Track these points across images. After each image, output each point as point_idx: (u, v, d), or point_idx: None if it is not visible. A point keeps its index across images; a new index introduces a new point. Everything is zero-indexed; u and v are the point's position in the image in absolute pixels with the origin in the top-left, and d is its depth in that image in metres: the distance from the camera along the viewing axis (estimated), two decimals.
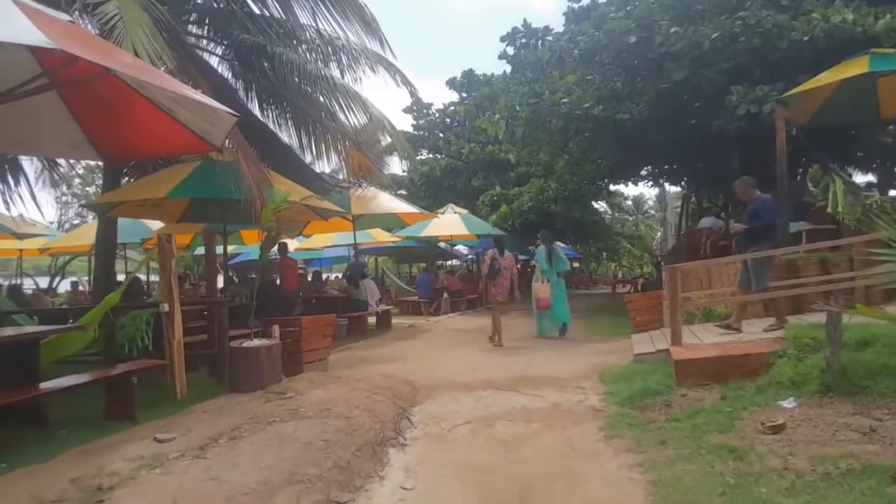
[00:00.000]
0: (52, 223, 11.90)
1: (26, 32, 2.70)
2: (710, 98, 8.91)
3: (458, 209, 15.64)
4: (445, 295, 14.61)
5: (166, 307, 5.25)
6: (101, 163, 7.16)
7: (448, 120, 26.13)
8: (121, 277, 9.72)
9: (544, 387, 5.53)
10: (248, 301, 9.34)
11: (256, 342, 5.24)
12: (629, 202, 51.98)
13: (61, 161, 11.00)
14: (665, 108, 10.01)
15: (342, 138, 9.93)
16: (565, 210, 24.81)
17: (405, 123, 27.17)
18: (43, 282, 16.20)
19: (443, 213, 15.52)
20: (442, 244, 22.35)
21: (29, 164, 8.34)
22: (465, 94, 23.83)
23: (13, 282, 14.00)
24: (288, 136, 10.20)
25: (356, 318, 10.18)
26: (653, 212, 60.71)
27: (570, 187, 14.67)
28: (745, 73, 8.72)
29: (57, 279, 15.96)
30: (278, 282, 9.33)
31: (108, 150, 5.16)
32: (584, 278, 34.06)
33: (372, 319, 11.13)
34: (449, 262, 28.52)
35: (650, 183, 20.70)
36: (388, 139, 10.81)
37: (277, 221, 5.41)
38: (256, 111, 10.13)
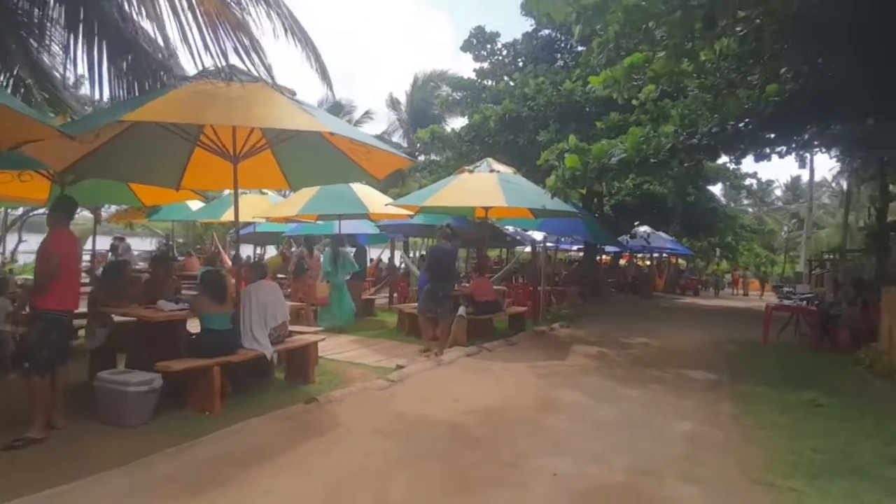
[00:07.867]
0: None
1: None
2: None
3: (497, 166, 9.31)
4: (462, 310, 8.40)
5: None
6: None
7: (521, 61, 19.40)
8: None
9: None
10: None
11: None
12: (753, 184, 42.29)
13: None
14: None
15: None
16: (677, 189, 17.55)
17: (466, 68, 19.90)
18: None
19: (473, 172, 9.34)
20: (510, 227, 15.59)
21: None
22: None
23: None
24: None
25: (197, 379, 4.43)
26: (780, 203, 50.39)
27: (703, 131, 7.84)
28: None
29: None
30: None
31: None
32: (692, 281, 25.86)
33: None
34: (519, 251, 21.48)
35: (797, 155, 13.41)
36: None
37: None
38: None
